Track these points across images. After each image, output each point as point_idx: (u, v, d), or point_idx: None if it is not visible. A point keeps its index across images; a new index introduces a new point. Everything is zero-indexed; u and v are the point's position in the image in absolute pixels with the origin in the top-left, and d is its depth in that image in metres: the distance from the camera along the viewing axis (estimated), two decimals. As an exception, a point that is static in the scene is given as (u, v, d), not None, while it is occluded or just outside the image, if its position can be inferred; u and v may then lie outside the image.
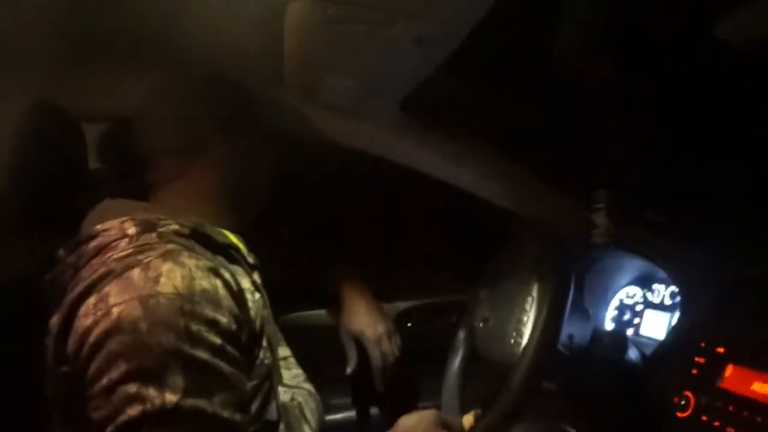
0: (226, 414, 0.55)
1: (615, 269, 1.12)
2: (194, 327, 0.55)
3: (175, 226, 0.63)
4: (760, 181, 0.84)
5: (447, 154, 1.12)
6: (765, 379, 0.65)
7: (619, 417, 0.84)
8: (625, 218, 0.95)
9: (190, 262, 0.59)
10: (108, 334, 0.54)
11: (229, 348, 0.58)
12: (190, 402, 0.53)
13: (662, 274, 1.02)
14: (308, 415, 0.83)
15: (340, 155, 1.11)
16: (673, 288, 1.02)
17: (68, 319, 0.57)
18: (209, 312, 0.57)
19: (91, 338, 0.55)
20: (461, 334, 1.00)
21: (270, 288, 0.77)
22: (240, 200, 0.77)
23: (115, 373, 0.53)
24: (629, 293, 1.12)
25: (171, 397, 0.52)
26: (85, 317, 0.56)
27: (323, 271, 1.03)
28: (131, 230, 0.62)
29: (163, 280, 0.56)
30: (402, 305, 1.30)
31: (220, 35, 0.84)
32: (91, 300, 0.56)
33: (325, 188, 1.25)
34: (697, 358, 0.74)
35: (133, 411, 0.52)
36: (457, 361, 0.99)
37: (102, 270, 0.57)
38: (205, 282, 0.58)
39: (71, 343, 0.56)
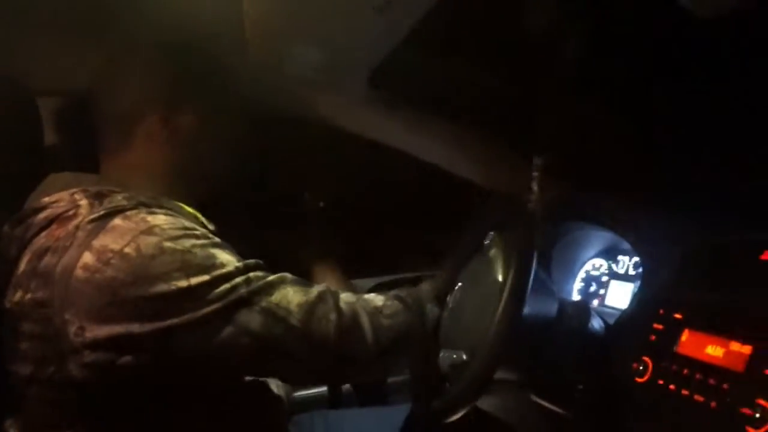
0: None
1: (581, 242, 1.13)
2: (200, 228, 0.63)
3: (123, 201, 0.61)
4: (722, 150, 0.85)
5: (415, 127, 1.11)
6: (717, 342, 0.67)
7: (584, 385, 0.86)
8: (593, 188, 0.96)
9: (161, 212, 0.62)
10: (139, 266, 0.55)
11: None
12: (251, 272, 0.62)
13: (626, 245, 1.04)
14: None
15: (307, 129, 1.10)
16: (637, 258, 1.03)
17: (57, 290, 0.55)
18: (202, 228, 0.64)
19: (121, 283, 0.55)
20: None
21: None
22: (191, 174, 0.75)
23: (181, 283, 0.56)
24: (595, 265, 1.14)
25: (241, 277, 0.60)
26: (92, 273, 0.55)
27: (292, 248, 1.03)
28: (83, 201, 0.61)
29: (149, 218, 0.59)
30: (372, 282, 1.30)
31: (179, 7, 0.82)
32: (86, 259, 0.55)
33: (294, 165, 1.23)
34: (655, 325, 0.76)
35: (227, 296, 0.58)
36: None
37: (80, 233, 0.57)
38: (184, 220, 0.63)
39: (87, 305, 0.55)
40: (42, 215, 0.61)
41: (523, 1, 0.84)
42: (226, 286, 0.58)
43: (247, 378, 0.73)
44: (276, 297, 0.61)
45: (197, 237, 0.60)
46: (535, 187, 0.87)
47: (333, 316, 0.63)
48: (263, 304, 0.60)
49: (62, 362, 0.56)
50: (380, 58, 0.93)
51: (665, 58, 0.81)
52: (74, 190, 0.63)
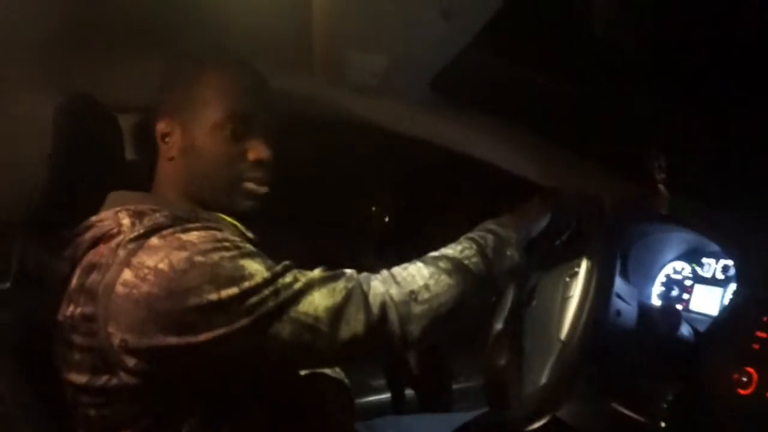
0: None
1: (661, 243, 1.08)
2: (232, 238, 0.64)
3: (161, 219, 0.64)
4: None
5: (477, 130, 1.09)
6: (835, 352, 0.61)
7: (673, 395, 0.82)
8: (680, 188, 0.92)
9: (195, 228, 0.63)
10: (171, 280, 0.57)
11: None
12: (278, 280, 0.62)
13: (713, 247, 0.98)
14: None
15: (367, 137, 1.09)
16: (725, 261, 0.97)
17: (101, 306, 0.58)
18: (234, 236, 0.66)
19: (156, 298, 0.57)
20: (504, 310, 0.98)
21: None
22: (212, 190, 0.75)
23: (211, 296, 0.58)
24: (676, 268, 1.08)
25: (263, 282, 0.61)
26: (131, 288, 0.57)
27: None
28: (125, 220, 0.64)
29: (183, 235, 0.61)
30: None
31: (248, 17, 0.83)
32: (126, 276, 0.58)
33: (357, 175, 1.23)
34: (758, 333, 0.71)
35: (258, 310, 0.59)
36: (499, 334, 0.96)
37: (120, 252, 0.60)
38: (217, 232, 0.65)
39: (126, 319, 0.57)
40: (89, 234, 0.64)
41: (586, 4, 0.81)
42: (255, 299, 0.60)
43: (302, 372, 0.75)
44: (303, 305, 0.62)
45: (227, 249, 0.62)
46: (662, 187, 0.83)
47: (361, 316, 0.64)
48: (291, 314, 0.61)
49: (113, 371, 0.60)
50: (443, 63, 0.92)
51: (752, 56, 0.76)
52: (118, 208, 0.66)
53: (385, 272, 0.70)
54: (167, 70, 0.78)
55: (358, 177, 1.19)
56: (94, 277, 0.60)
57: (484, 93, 1.05)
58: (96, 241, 0.63)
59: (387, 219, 1.07)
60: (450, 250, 0.74)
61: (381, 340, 0.65)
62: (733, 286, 0.96)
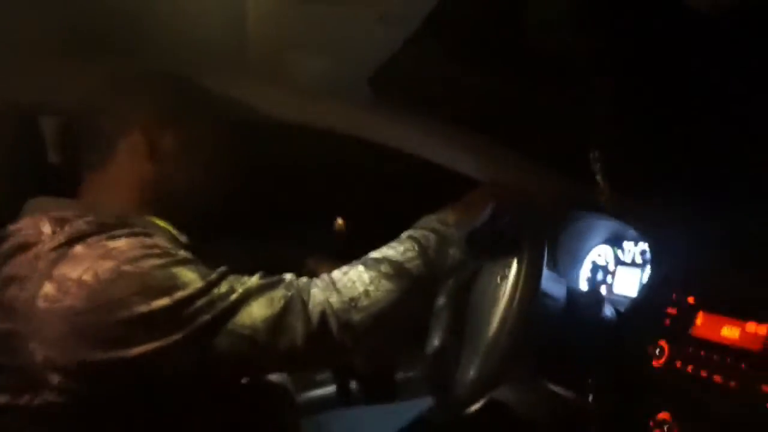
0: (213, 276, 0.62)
1: (586, 230, 1.15)
2: (163, 245, 0.62)
3: (84, 226, 0.61)
4: (727, 137, 0.87)
5: (417, 129, 1.12)
6: (733, 323, 0.69)
7: (598, 371, 0.88)
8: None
9: (123, 234, 0.61)
10: (96, 292, 0.55)
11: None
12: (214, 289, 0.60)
13: (632, 232, 1.06)
14: None
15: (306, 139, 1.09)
16: (644, 245, 1.05)
17: (21, 322, 0.55)
18: (165, 241, 0.64)
19: (80, 312, 0.54)
20: (442, 301, 1.01)
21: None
22: (170, 191, 0.76)
23: (141, 308, 0.55)
24: (600, 253, 1.16)
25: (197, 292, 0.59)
26: (53, 303, 0.55)
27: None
28: (46, 228, 0.60)
29: (109, 243, 0.59)
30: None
31: (181, 20, 0.81)
32: (47, 289, 0.55)
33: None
34: (669, 309, 0.78)
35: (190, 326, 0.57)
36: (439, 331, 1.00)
37: (40, 263, 0.56)
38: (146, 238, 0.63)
39: (50, 335, 0.55)
40: (7, 244, 0.60)
41: (520, 3, 0.85)
42: (189, 310, 0.57)
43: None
44: (240, 317, 0.60)
45: (158, 256, 0.59)
46: (600, 179, 0.88)
47: (300, 326, 0.62)
48: (228, 326, 0.59)
49: (36, 390, 0.55)
50: (380, 63, 0.93)
51: (678, 54, 0.82)
52: (38, 215, 0.62)
53: (325, 277, 0.69)
54: (146, 80, 0.77)
55: (306, 180, 1.19)
56: (13, 291, 0.56)
57: (422, 92, 1.07)
58: (14, 252, 0.59)
59: (339, 224, 1.08)
60: (392, 252, 0.73)
61: (320, 349, 0.65)
62: (649, 269, 1.04)
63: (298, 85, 0.97)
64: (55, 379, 0.55)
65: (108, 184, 0.73)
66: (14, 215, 0.66)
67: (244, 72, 0.94)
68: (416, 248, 0.74)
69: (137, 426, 0.61)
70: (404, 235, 0.78)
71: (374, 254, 0.74)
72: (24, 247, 0.59)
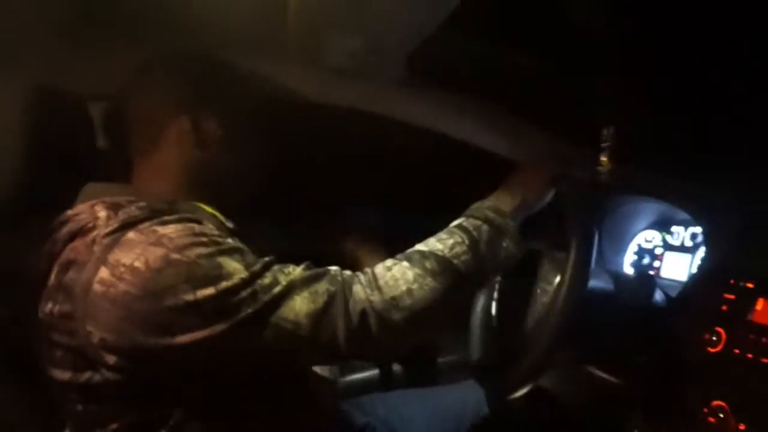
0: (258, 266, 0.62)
1: (632, 214, 1.12)
2: (210, 233, 0.62)
3: (136, 212, 0.63)
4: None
5: (453, 109, 1.10)
6: (797, 309, 0.66)
7: (647, 357, 0.86)
8: (630, 159, 0.94)
9: (173, 220, 0.62)
10: (147, 280, 0.56)
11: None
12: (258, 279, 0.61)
13: (681, 216, 1.02)
14: None
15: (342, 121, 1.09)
16: (694, 229, 1.02)
17: (79, 304, 0.58)
18: (213, 227, 0.65)
19: (132, 298, 0.56)
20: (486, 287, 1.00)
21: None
22: (216, 177, 0.77)
23: (187, 296, 0.56)
24: (647, 237, 1.13)
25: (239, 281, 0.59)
26: (108, 287, 0.56)
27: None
28: (101, 213, 0.62)
29: (159, 229, 0.59)
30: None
31: (220, 3, 0.82)
32: (102, 274, 0.57)
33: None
34: (726, 295, 0.75)
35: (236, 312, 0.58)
36: (480, 312, 0.99)
37: (96, 248, 0.58)
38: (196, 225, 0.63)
39: (104, 319, 0.57)
40: (65, 229, 0.63)
41: None
42: (233, 300, 0.58)
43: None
44: (283, 311, 0.60)
45: (205, 245, 0.60)
46: (605, 157, 0.84)
47: (341, 322, 0.62)
48: (271, 319, 0.60)
49: (95, 368, 0.59)
50: (418, 42, 0.92)
51: (713, 31, 0.78)
52: (94, 201, 0.64)
53: (369, 272, 0.68)
54: (190, 64, 0.78)
55: (351, 165, 1.18)
56: (72, 274, 0.59)
57: (460, 71, 1.06)
58: (72, 236, 0.62)
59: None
60: (440, 245, 0.70)
61: (361, 346, 0.64)
62: (701, 253, 1.01)
63: (337, 66, 0.96)
64: (111, 359, 0.57)
65: (157, 169, 0.74)
66: (70, 201, 0.69)
67: (282, 54, 0.94)
68: (466, 241, 0.70)
69: (190, 404, 0.63)
70: (454, 224, 0.74)
71: (420, 247, 0.71)
72: (81, 232, 0.61)
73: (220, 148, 0.77)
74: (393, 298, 0.64)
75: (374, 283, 0.66)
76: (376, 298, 0.64)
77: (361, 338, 0.63)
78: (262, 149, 0.83)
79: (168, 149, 0.74)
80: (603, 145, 0.84)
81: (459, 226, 0.73)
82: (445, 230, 0.73)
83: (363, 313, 0.63)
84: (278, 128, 0.89)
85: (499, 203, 0.76)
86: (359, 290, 0.65)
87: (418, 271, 0.67)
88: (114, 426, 0.61)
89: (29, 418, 0.68)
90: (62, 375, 0.61)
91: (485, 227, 0.72)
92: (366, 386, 1.23)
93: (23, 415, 0.68)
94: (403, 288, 0.65)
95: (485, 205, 0.76)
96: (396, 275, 0.66)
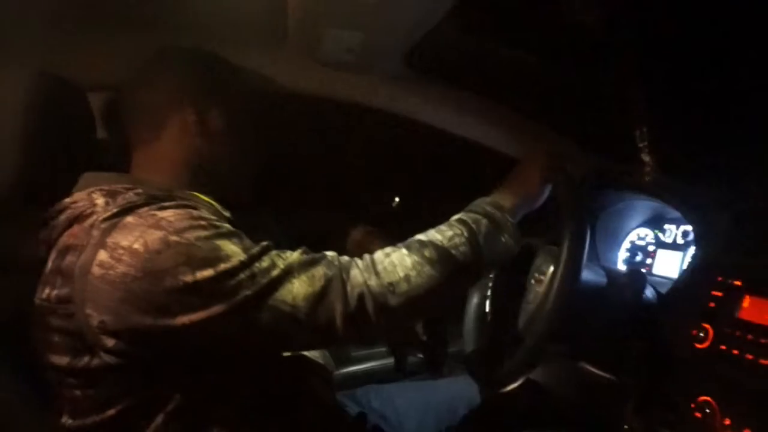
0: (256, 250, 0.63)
1: (626, 211, 1.13)
2: (208, 217, 0.63)
3: (134, 197, 0.64)
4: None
5: (451, 104, 1.11)
6: (783, 307, 0.67)
7: (636, 352, 0.87)
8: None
9: (171, 206, 0.63)
10: (146, 261, 0.57)
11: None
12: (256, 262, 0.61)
13: (674, 214, 1.04)
14: None
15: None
16: (685, 227, 1.03)
17: (77, 287, 0.58)
18: (210, 214, 0.65)
19: (131, 279, 0.56)
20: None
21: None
22: (216, 168, 0.78)
23: (186, 278, 0.57)
24: (640, 234, 1.14)
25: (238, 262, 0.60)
26: (107, 270, 0.57)
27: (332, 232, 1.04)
28: (99, 200, 0.63)
29: (158, 213, 0.60)
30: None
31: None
32: (101, 257, 0.58)
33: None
34: (714, 292, 0.76)
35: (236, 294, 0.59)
36: (474, 305, 1.00)
37: (95, 232, 0.59)
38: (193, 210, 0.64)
39: (104, 301, 0.57)
40: (63, 216, 0.64)
41: None
42: (231, 282, 0.59)
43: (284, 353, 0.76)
44: (281, 293, 0.61)
45: (203, 228, 0.61)
46: (646, 157, 0.84)
47: (339, 306, 0.63)
48: (269, 302, 0.60)
49: (93, 352, 0.60)
50: (417, 39, 0.92)
51: (714, 30, 0.79)
52: (92, 189, 0.65)
53: (367, 258, 0.68)
54: (196, 57, 0.79)
55: (351, 158, 1.19)
56: (70, 258, 0.60)
57: (458, 68, 1.06)
58: (70, 223, 0.63)
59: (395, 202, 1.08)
60: (439, 236, 0.71)
61: (357, 329, 0.65)
62: (692, 251, 1.02)
63: (336, 61, 0.97)
64: (110, 342, 0.58)
65: (155, 159, 0.76)
66: (68, 190, 0.69)
67: (282, 48, 0.95)
68: (465, 234, 0.71)
69: (187, 389, 0.64)
70: (454, 218, 0.75)
71: (420, 237, 0.72)
72: (79, 218, 0.62)
73: (222, 139, 0.78)
74: (390, 284, 0.65)
75: (372, 268, 0.67)
76: (373, 282, 0.65)
77: (358, 322, 0.64)
78: (262, 142, 0.85)
79: (169, 140, 0.75)
80: (641, 144, 0.85)
81: (459, 220, 0.74)
82: (446, 223, 0.74)
83: (360, 297, 0.64)
84: (278, 122, 0.90)
85: (500, 199, 0.77)
86: (357, 274, 0.65)
87: (416, 258, 0.68)
88: (111, 411, 0.62)
89: (26, 407, 0.68)
90: (60, 360, 0.61)
91: (484, 221, 0.73)
92: (359, 379, 1.24)
93: (20, 405, 0.68)
94: (401, 274, 0.66)
95: (486, 201, 0.77)
96: (394, 261, 0.67)
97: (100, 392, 0.62)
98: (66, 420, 0.64)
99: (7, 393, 0.67)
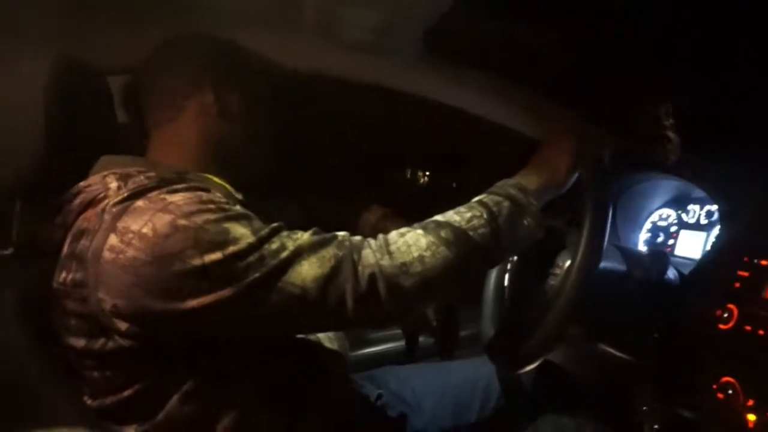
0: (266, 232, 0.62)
1: (648, 192, 1.11)
2: (218, 200, 0.63)
3: (145, 181, 0.64)
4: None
5: (470, 85, 1.09)
6: (811, 287, 0.65)
7: (660, 334, 0.86)
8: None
9: (181, 189, 0.63)
10: (155, 245, 0.57)
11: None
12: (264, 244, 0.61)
13: (697, 194, 1.02)
14: None
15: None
16: (709, 207, 1.01)
17: (90, 272, 0.59)
18: (221, 196, 0.65)
19: (141, 263, 0.57)
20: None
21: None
22: (233, 150, 0.78)
23: (195, 261, 0.57)
24: (662, 215, 1.12)
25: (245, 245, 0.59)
26: (118, 254, 0.57)
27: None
28: (112, 184, 0.64)
29: (167, 197, 0.60)
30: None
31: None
32: (112, 241, 0.58)
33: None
34: (740, 272, 0.75)
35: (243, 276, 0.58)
36: (492, 286, 0.99)
37: (106, 216, 0.60)
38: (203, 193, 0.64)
39: (115, 285, 0.58)
40: (78, 200, 0.64)
41: None
42: (240, 265, 0.58)
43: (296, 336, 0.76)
44: (291, 275, 0.60)
45: (212, 211, 0.60)
46: (671, 135, 0.82)
47: (349, 287, 0.61)
48: (278, 284, 0.60)
49: (108, 335, 0.61)
50: (435, 19, 0.91)
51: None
52: (105, 172, 0.66)
53: (381, 238, 0.66)
54: (214, 39, 0.79)
55: (362, 136, 1.19)
56: (83, 242, 0.61)
57: (477, 49, 1.05)
58: (85, 207, 0.63)
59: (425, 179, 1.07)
60: (457, 217, 0.68)
61: (369, 311, 0.64)
62: (716, 231, 1.00)
63: (354, 42, 0.96)
64: (122, 326, 0.59)
65: (171, 141, 0.76)
66: (87, 173, 0.70)
67: (299, 29, 0.94)
68: (485, 216, 0.68)
69: (201, 371, 0.65)
70: (475, 199, 0.73)
71: (438, 217, 0.70)
72: (93, 202, 0.63)
73: (239, 121, 0.78)
74: (404, 264, 0.63)
75: (385, 248, 0.65)
76: (386, 262, 0.63)
77: (369, 303, 0.62)
78: (279, 123, 0.85)
79: (186, 121, 0.75)
80: (666, 122, 0.83)
81: (479, 201, 0.72)
82: (465, 204, 0.72)
83: (372, 278, 0.62)
84: (295, 103, 0.90)
85: (524, 181, 0.74)
86: (368, 254, 0.64)
87: (432, 239, 0.65)
88: (128, 392, 0.63)
89: (55, 386, 0.70)
90: (77, 342, 0.62)
91: (506, 203, 0.70)
92: (375, 360, 1.25)
93: (49, 383, 0.70)
94: (415, 254, 0.64)
95: (509, 183, 0.74)
96: (409, 241, 0.65)
97: (116, 374, 0.63)
98: (87, 399, 0.66)
99: (38, 373, 0.69)
